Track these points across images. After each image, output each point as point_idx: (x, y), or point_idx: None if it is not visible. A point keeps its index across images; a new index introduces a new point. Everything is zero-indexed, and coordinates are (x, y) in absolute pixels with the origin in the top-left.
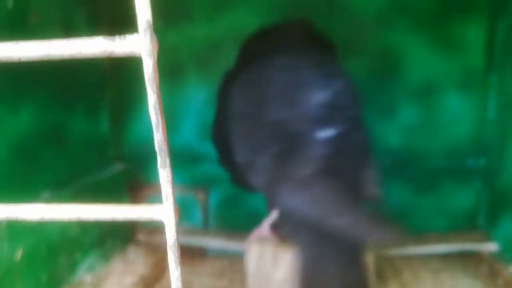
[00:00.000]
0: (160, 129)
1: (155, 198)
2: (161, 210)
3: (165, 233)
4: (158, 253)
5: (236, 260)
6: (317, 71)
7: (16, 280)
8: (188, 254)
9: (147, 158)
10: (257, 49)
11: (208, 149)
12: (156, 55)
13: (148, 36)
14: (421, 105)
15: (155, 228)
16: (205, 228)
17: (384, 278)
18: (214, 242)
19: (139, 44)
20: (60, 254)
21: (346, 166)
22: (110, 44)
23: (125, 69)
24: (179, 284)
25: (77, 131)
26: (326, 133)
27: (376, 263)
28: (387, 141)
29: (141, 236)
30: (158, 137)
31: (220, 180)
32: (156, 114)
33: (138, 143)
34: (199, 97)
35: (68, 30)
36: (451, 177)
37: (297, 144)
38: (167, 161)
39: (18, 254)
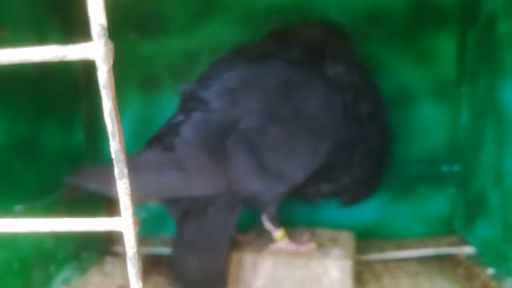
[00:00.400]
0: (117, 138)
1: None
2: (120, 222)
3: (144, 244)
4: None
5: None
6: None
7: None
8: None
9: None
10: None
11: None
12: (111, 61)
13: (102, 40)
14: (396, 114)
15: None
16: None
17: (363, 282)
18: None
19: (93, 49)
20: (34, 267)
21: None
22: (63, 49)
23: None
24: None
25: (51, 142)
26: (174, 120)
27: (356, 267)
28: None
29: (118, 248)
30: (115, 147)
31: None
32: (112, 122)
33: None
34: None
35: (41, 40)
36: (426, 183)
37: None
38: (125, 171)
39: None
